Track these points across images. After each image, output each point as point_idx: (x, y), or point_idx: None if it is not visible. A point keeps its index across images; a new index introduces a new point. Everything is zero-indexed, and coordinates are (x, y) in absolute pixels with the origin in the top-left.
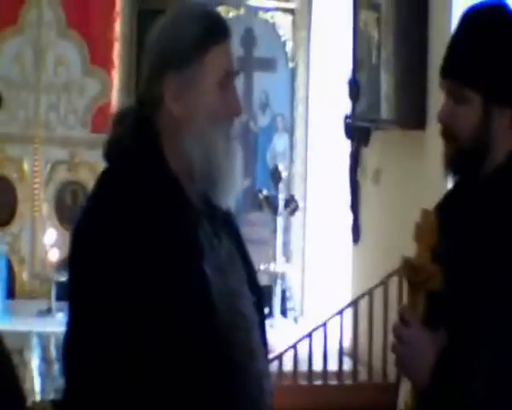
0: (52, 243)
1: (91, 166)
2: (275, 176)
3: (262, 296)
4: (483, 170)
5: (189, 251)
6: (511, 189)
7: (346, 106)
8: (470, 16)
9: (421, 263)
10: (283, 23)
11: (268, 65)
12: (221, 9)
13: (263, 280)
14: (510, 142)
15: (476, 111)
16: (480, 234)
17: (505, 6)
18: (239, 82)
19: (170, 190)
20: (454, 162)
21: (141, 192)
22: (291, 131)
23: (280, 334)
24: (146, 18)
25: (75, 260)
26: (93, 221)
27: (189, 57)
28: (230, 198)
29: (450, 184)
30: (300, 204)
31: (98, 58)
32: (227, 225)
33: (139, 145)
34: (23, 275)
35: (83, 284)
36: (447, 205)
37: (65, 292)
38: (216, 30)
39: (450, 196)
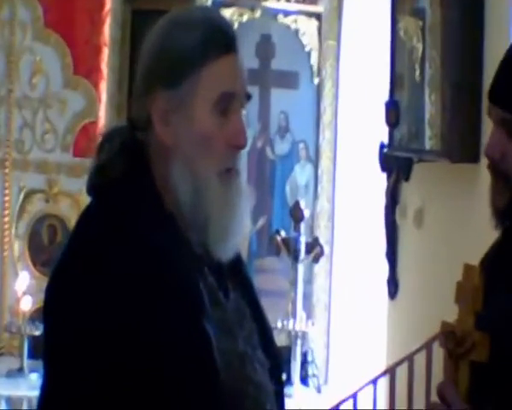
0: (24, 290)
1: (73, 196)
2: (295, 214)
3: (279, 361)
4: None
5: (187, 307)
6: None
7: (382, 132)
8: None
9: (464, 330)
10: (308, 30)
11: (288, 80)
12: (232, 12)
13: (280, 341)
14: None
15: None
16: None
17: None
18: (253, 101)
19: (165, 231)
20: (504, 210)
21: (131, 236)
22: (315, 161)
23: (300, 405)
24: (141, 19)
25: (51, 313)
26: (74, 268)
27: (180, 73)
28: (227, 250)
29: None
30: (326, 249)
31: (83, 67)
32: (235, 274)
33: (128, 176)
34: None
35: (60, 342)
36: (495, 258)
37: (39, 348)
38: (216, 40)
39: (499, 247)
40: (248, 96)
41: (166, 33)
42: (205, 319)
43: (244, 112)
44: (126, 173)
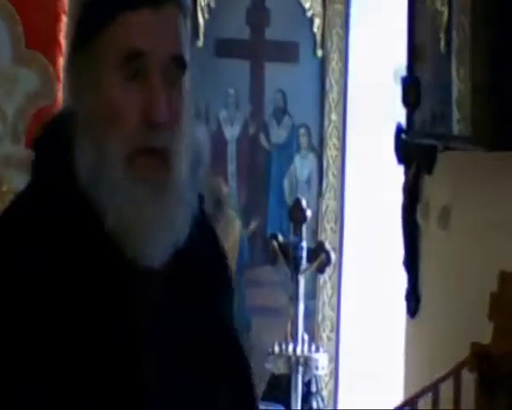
0: None
1: None
2: (295, 215)
3: (250, 388)
4: None
5: (121, 317)
6: None
7: (400, 115)
8: None
9: (501, 351)
10: None
11: (286, 52)
12: None
13: (278, 368)
14: None
15: None
16: None
17: None
18: (243, 78)
19: (88, 226)
20: None
21: (46, 223)
22: (319, 151)
23: None
24: None
25: None
26: None
27: (86, 30)
28: (152, 254)
29: None
30: (332, 257)
31: (37, 39)
32: (191, 280)
33: (47, 158)
34: None
35: None
36: None
37: None
38: None
39: None
40: (181, 63)
41: None
42: (143, 327)
43: (186, 86)
44: (45, 156)
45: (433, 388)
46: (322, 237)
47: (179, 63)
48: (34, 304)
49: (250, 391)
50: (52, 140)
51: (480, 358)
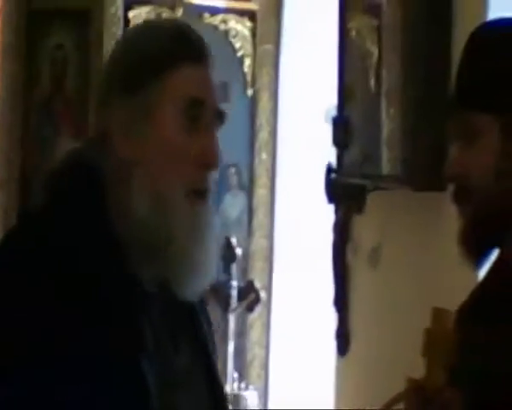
0: None
1: None
2: (225, 254)
3: None
4: None
5: (125, 342)
6: None
7: (329, 155)
8: (476, 35)
9: (434, 386)
10: (240, 31)
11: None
12: (149, 10)
13: None
14: None
15: (493, 143)
16: None
17: None
18: None
19: (104, 259)
20: (471, 233)
21: (61, 258)
22: (249, 190)
23: None
24: (37, 21)
25: None
26: None
27: (143, 77)
28: (191, 286)
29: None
30: (262, 296)
31: None
32: (193, 326)
33: (69, 197)
34: None
35: None
36: (476, 303)
37: None
38: (186, 46)
39: (480, 290)
40: (221, 117)
41: (131, 39)
42: (144, 361)
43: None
44: (67, 196)
45: None
46: (251, 275)
47: (221, 115)
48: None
49: None
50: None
51: (413, 392)
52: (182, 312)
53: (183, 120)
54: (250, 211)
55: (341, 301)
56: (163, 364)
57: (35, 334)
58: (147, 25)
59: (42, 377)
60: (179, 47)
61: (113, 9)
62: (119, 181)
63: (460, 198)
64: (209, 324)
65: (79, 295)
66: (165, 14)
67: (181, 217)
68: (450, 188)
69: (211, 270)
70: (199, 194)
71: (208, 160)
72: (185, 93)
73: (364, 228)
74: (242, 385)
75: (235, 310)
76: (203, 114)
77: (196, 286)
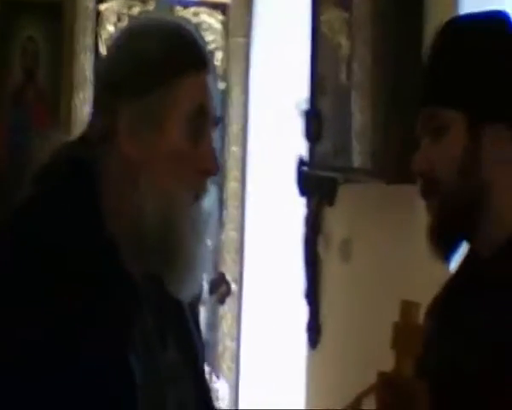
0: None
1: None
2: None
3: None
4: (490, 231)
5: (112, 348)
6: None
7: (301, 148)
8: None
9: (401, 378)
10: (211, 24)
11: None
12: (121, 4)
13: None
14: None
15: (460, 138)
16: (494, 341)
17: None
18: None
19: (98, 257)
20: (439, 227)
21: (51, 250)
22: (220, 183)
23: None
24: (9, 13)
25: None
26: None
27: (151, 83)
28: (188, 288)
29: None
30: (233, 288)
31: None
32: (181, 323)
33: (62, 190)
34: None
35: None
36: (447, 296)
37: None
38: (191, 54)
39: (452, 283)
40: (218, 120)
41: (137, 40)
42: (132, 356)
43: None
44: (60, 190)
45: None
46: (222, 268)
47: (218, 121)
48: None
49: None
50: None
51: (382, 385)
52: (170, 307)
53: (189, 128)
54: (221, 204)
55: (312, 294)
56: (151, 359)
57: (25, 329)
58: (150, 24)
59: (29, 369)
60: (186, 55)
61: (84, 2)
62: (121, 181)
63: (427, 193)
64: (197, 321)
65: (71, 290)
66: (138, 7)
67: (185, 220)
68: (419, 182)
69: (206, 269)
70: (198, 198)
71: (211, 167)
72: (192, 101)
73: (335, 221)
74: (213, 378)
75: (205, 302)
76: (207, 121)
77: (193, 285)
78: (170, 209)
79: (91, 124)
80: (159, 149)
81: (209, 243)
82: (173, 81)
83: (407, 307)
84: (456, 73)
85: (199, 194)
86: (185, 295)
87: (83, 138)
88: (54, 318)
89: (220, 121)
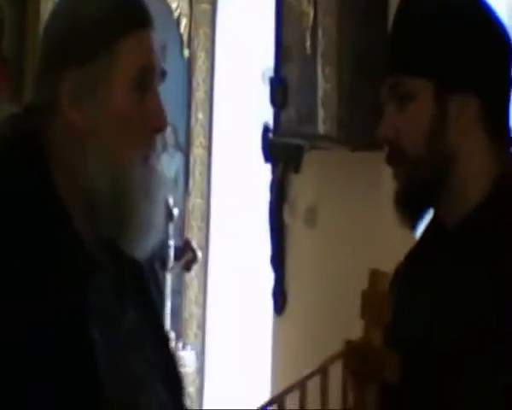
0: None
1: None
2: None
3: (181, 391)
4: (455, 199)
5: (70, 316)
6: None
7: (267, 114)
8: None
9: (370, 347)
10: None
11: None
12: None
13: None
14: (482, 147)
15: (427, 107)
16: (460, 305)
17: None
18: None
19: (51, 226)
20: (406, 195)
21: (1, 222)
22: (186, 150)
23: None
24: None
25: None
26: None
27: (93, 48)
28: (145, 247)
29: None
30: (199, 255)
31: None
32: (138, 283)
33: (10, 162)
34: None
35: None
36: (411, 265)
37: None
38: (133, 12)
39: (416, 251)
40: (163, 73)
41: (74, 6)
42: (93, 327)
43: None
44: (7, 160)
45: (301, 385)
46: (188, 235)
47: (163, 74)
48: None
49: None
50: (24, 146)
51: (349, 353)
52: (129, 269)
53: (133, 88)
54: (187, 171)
55: (278, 261)
56: (111, 325)
57: None
58: None
59: None
60: (126, 15)
61: None
62: (69, 149)
63: (393, 160)
64: (158, 284)
65: (24, 260)
66: None
67: (136, 182)
68: (386, 148)
69: (159, 227)
70: (149, 157)
71: (159, 123)
72: (135, 63)
73: (301, 188)
74: (179, 345)
75: (172, 269)
76: (152, 79)
77: (146, 243)
78: (119, 173)
79: (36, 94)
80: (104, 115)
81: (161, 202)
82: (114, 44)
83: (375, 276)
84: (422, 42)
85: (149, 154)
86: (141, 254)
87: (29, 109)
88: (8, 289)
89: (165, 75)
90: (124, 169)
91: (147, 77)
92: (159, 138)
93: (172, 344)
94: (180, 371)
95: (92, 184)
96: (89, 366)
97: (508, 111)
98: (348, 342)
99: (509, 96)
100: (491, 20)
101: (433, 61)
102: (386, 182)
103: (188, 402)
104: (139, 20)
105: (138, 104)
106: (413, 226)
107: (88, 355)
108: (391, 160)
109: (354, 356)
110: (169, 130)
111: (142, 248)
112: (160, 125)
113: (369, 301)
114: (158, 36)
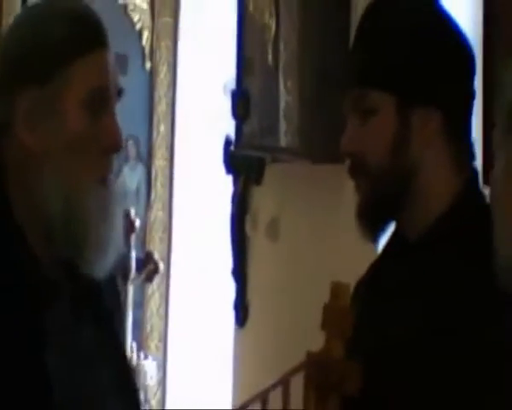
0: None
1: None
2: (124, 226)
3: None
4: (417, 211)
5: (25, 340)
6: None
7: (229, 127)
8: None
9: (331, 359)
10: (138, 4)
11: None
12: None
13: None
14: (444, 160)
15: (390, 120)
16: (420, 320)
17: None
18: None
19: (6, 248)
20: (368, 208)
21: None
22: (148, 162)
23: None
24: None
25: None
26: None
27: (49, 69)
28: (103, 267)
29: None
30: (161, 267)
31: None
32: (97, 301)
33: None
34: None
35: None
36: (373, 277)
37: None
38: (87, 34)
39: (378, 264)
40: (120, 91)
41: (31, 26)
42: (48, 349)
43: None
44: None
45: (262, 397)
46: (150, 246)
47: (120, 92)
48: None
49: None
50: None
51: (311, 366)
52: (87, 293)
53: (86, 110)
54: (149, 183)
55: (240, 273)
56: (67, 348)
57: None
58: (44, 7)
59: None
60: (82, 36)
61: None
62: (25, 170)
63: (356, 173)
64: (118, 300)
65: None
66: None
67: (90, 204)
68: (348, 161)
69: (118, 245)
70: (105, 180)
71: (114, 145)
72: (86, 84)
73: (263, 200)
74: (141, 356)
75: (133, 281)
76: (106, 100)
77: (104, 263)
78: (73, 195)
79: None
80: (58, 137)
81: (118, 221)
82: (69, 65)
83: (337, 289)
84: (384, 56)
85: (105, 175)
86: (99, 274)
87: None
88: None
89: (122, 93)
90: (78, 191)
91: (99, 98)
92: (113, 161)
93: (134, 356)
94: (137, 390)
95: (47, 206)
96: (43, 389)
97: (470, 125)
98: (310, 354)
99: (471, 110)
100: (453, 34)
101: (395, 75)
102: (348, 194)
103: None
104: (95, 42)
105: (92, 126)
106: (375, 239)
107: (42, 379)
108: (353, 172)
109: (315, 368)
110: (131, 142)
111: (100, 269)
112: (114, 146)
113: (330, 314)
114: (119, 48)
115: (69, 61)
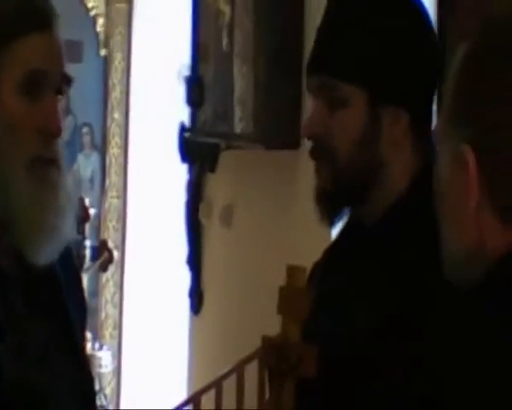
0: None
1: None
2: (78, 214)
3: (91, 400)
4: (376, 202)
5: None
6: (421, 237)
7: (183, 114)
8: None
9: (288, 343)
10: None
11: (69, 51)
12: None
13: None
14: (408, 158)
15: (360, 114)
16: (374, 302)
17: None
18: None
19: None
20: (329, 193)
21: None
22: (102, 149)
23: None
24: None
25: None
26: None
27: None
28: (41, 253)
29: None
30: (115, 255)
31: None
32: (52, 289)
33: None
34: None
35: None
36: (329, 261)
37: None
38: (28, 15)
39: (334, 248)
40: (68, 80)
41: None
42: None
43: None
44: None
45: (216, 384)
46: (104, 235)
47: (67, 80)
48: None
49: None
50: None
51: (267, 349)
52: (42, 282)
53: (21, 92)
54: (103, 171)
55: (194, 260)
56: (19, 338)
57: None
58: None
59: None
60: (26, 16)
61: None
62: None
63: (318, 156)
64: (79, 283)
65: None
66: None
67: (22, 188)
68: (307, 145)
69: (63, 231)
70: (44, 162)
71: (50, 128)
72: (23, 65)
73: (217, 187)
74: (96, 345)
75: (88, 270)
76: (45, 84)
77: (46, 251)
78: (7, 182)
79: None
80: None
81: (64, 204)
82: (6, 47)
83: (292, 272)
84: (357, 50)
85: (44, 159)
86: (44, 261)
87: None
88: None
89: (71, 80)
90: (7, 173)
91: (35, 81)
92: (57, 145)
93: (89, 345)
94: (92, 380)
95: None
96: None
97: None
98: (265, 338)
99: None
100: (426, 34)
101: (368, 72)
102: (302, 180)
103: (104, 403)
104: (38, 23)
105: (29, 109)
106: (332, 223)
107: None
108: (315, 155)
109: (271, 352)
110: (85, 130)
111: (45, 256)
112: (51, 129)
113: (286, 297)
114: (73, 34)
115: (12, 39)
